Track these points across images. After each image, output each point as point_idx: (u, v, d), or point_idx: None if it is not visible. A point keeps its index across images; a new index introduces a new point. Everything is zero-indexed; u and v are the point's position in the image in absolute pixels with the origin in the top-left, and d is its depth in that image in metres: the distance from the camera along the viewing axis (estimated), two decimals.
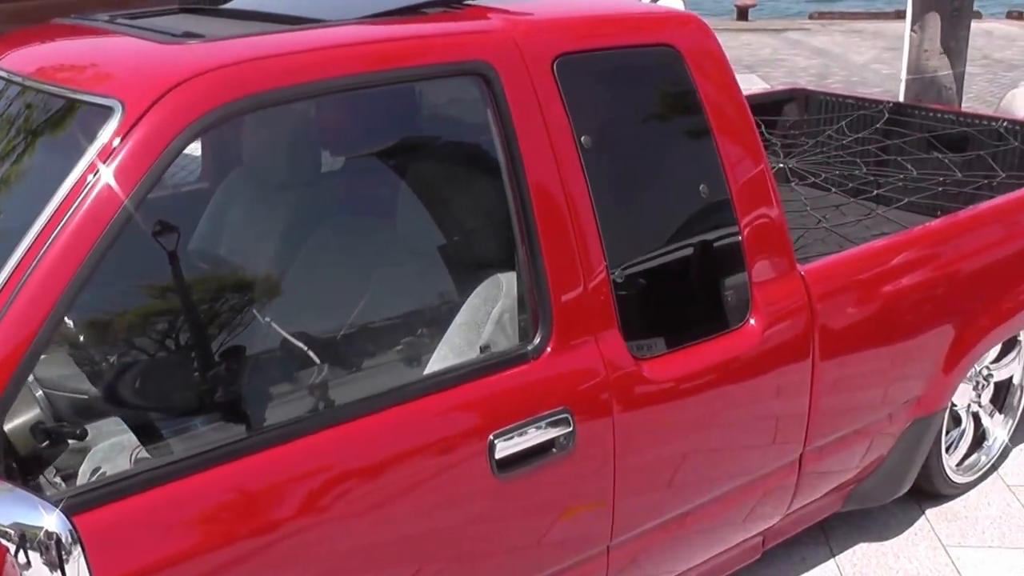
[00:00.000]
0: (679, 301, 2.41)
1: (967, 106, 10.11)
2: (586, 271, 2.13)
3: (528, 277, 2.09)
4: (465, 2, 2.28)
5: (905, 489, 3.22)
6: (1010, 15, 19.06)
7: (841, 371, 2.76)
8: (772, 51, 14.28)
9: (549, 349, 2.09)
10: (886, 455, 3.07)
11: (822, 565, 3.17)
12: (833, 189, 4.17)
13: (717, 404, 2.42)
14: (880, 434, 3.00)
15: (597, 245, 2.15)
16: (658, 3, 8.30)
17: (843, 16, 18.89)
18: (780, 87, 6.51)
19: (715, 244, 2.46)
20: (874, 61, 12.78)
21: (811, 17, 19.09)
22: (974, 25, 17.97)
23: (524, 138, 2.04)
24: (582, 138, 2.15)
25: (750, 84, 9.09)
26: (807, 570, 3.15)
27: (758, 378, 2.49)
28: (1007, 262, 3.29)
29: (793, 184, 4.20)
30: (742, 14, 18.37)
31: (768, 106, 5.07)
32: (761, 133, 4.62)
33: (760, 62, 13.08)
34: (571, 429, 2.08)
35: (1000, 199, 3.40)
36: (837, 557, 3.21)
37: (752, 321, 2.46)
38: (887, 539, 3.29)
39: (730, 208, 2.43)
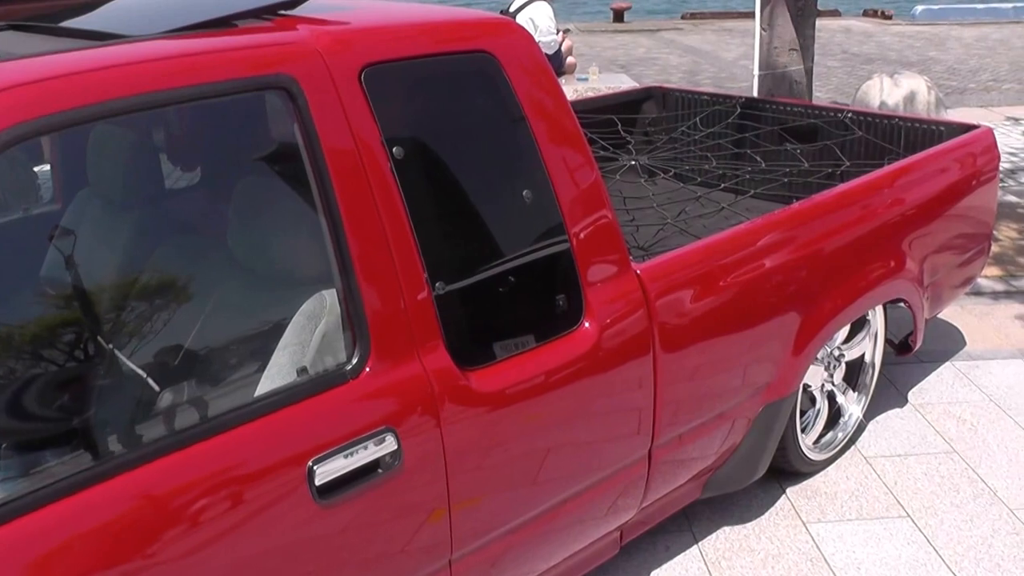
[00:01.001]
0: (507, 309, 2.29)
1: (826, 98, 10.35)
2: (404, 285, 2.00)
3: (343, 294, 1.96)
4: (279, 12, 2.12)
5: (761, 473, 3.18)
6: (866, 13, 19.71)
7: (685, 365, 2.68)
8: (646, 51, 14.38)
9: (368, 367, 1.96)
10: (740, 441, 3.02)
11: (685, 552, 3.11)
12: (697, 179, 4.19)
13: (553, 408, 2.32)
14: (733, 421, 2.94)
15: (415, 258, 2.03)
16: (525, 10, 8.27)
17: (714, 16, 19.19)
18: (638, 86, 6.54)
19: (543, 249, 2.35)
20: (742, 58, 12.94)
21: (684, 17, 19.36)
22: (834, 22, 18.63)
23: (331, 152, 1.91)
24: (394, 149, 2.02)
25: (620, 83, 9.09)
26: (671, 558, 3.08)
27: (596, 379, 2.39)
28: (850, 247, 3.26)
29: (656, 179, 4.20)
30: (618, 16, 18.51)
31: (627, 105, 5.05)
32: (618, 131, 4.65)
33: (634, 61, 13.15)
34: (396, 448, 1.96)
35: (842, 186, 3.38)
36: (700, 543, 3.15)
37: (586, 324, 2.36)
38: (749, 521, 3.25)
39: (557, 212, 2.32)
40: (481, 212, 2.29)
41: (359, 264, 1.95)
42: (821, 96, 10.45)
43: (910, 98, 8.86)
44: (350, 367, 1.96)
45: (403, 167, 2.03)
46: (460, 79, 2.27)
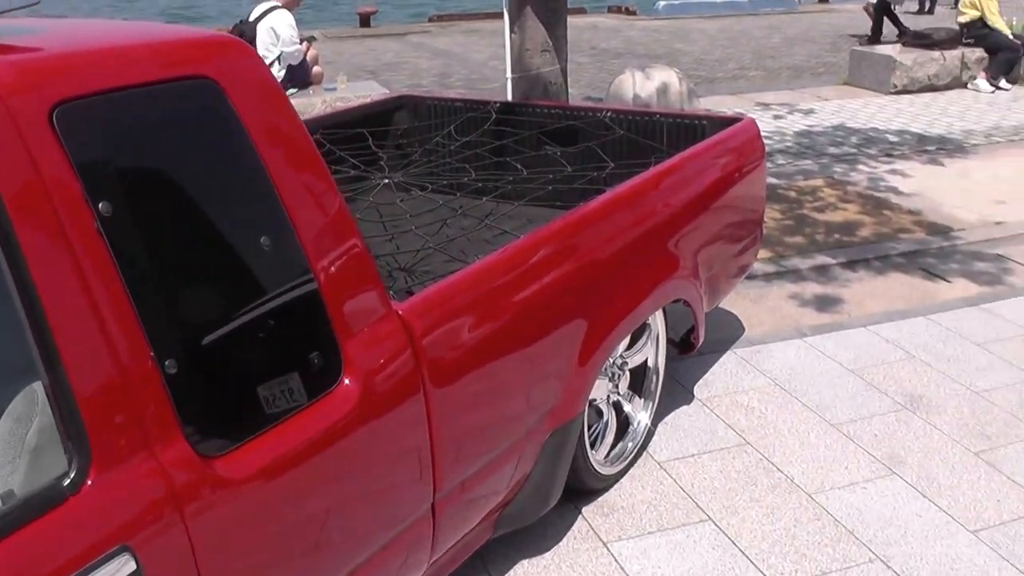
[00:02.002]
0: (254, 380, 1.99)
1: (580, 95, 10.57)
2: (126, 368, 1.69)
3: (52, 388, 1.61)
4: None
5: (555, 501, 3.06)
6: (611, 9, 20.45)
7: (463, 405, 2.50)
8: (395, 55, 14.27)
9: (90, 479, 1.62)
10: (530, 471, 2.88)
11: None
12: (456, 193, 4.04)
13: (319, 482, 2.07)
14: (521, 453, 2.80)
15: (137, 333, 1.71)
16: (264, 20, 7.94)
17: (461, 17, 19.33)
18: (389, 95, 6.38)
19: (289, 305, 2.06)
20: (492, 59, 13.04)
21: (431, 20, 19.41)
22: (582, 19, 19.10)
23: (18, 214, 1.58)
24: (100, 205, 1.69)
25: (371, 91, 8.93)
26: None
27: (364, 440, 2.16)
28: (625, 254, 3.20)
29: (415, 195, 4.03)
30: (364, 21, 18.36)
31: (378, 116, 4.85)
32: (368, 146, 4.46)
33: (384, 67, 13.01)
34: (136, 568, 1.64)
35: (611, 191, 3.30)
36: None
37: (346, 380, 2.12)
38: (547, 551, 3.12)
39: (302, 258, 2.05)
40: (212, 268, 1.96)
41: (66, 349, 1.61)
42: (575, 93, 10.60)
43: (663, 90, 9.12)
44: (68, 481, 1.62)
45: (113, 224, 1.71)
46: (177, 111, 1.95)
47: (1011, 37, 11.17)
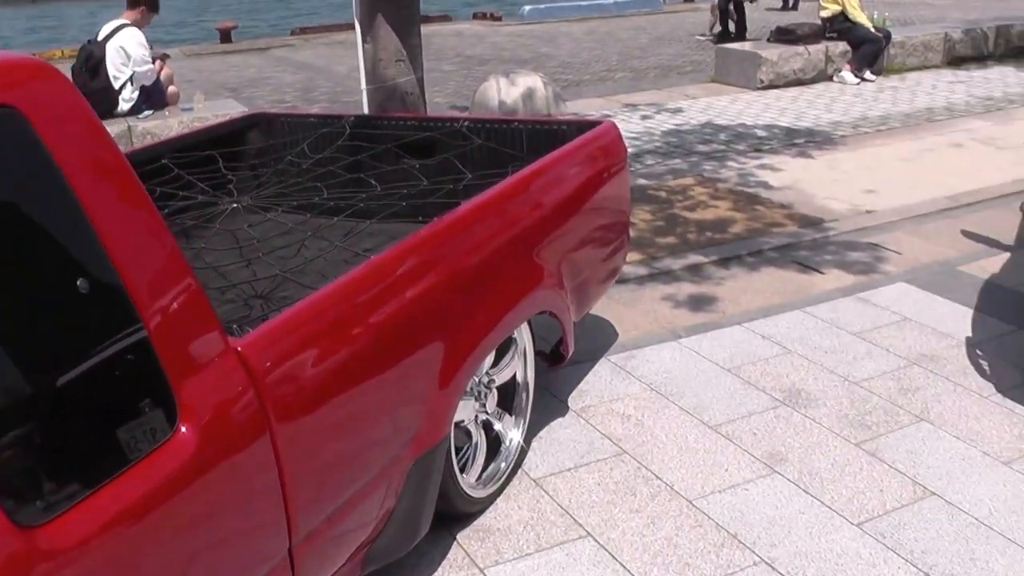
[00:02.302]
0: (78, 436, 1.81)
1: (446, 103, 10.51)
2: None
3: None
4: None
5: (425, 531, 2.93)
6: (476, 16, 20.51)
7: (316, 443, 2.36)
8: (257, 71, 14.01)
9: None
10: (396, 503, 2.74)
11: None
12: (308, 215, 3.88)
13: (158, 539, 1.90)
14: (384, 485, 2.66)
15: None
16: (113, 39, 7.63)
17: (324, 29, 19.12)
18: (248, 111, 6.19)
19: (113, 352, 1.88)
20: (355, 70, 12.76)
21: (294, 33, 19.16)
22: (447, 27, 19.09)
23: None
24: None
25: (230, 110, 8.68)
26: None
27: (206, 490, 2.00)
28: (486, 267, 3.10)
29: (268, 217, 3.86)
30: (225, 36, 18.03)
31: (230, 136, 4.66)
32: (218, 168, 4.28)
33: (246, 83, 12.75)
34: None
35: (468, 203, 3.18)
36: None
37: (183, 428, 1.96)
38: None
39: (125, 300, 1.89)
40: (24, 319, 1.78)
41: None
42: (440, 102, 10.57)
43: (528, 95, 9.09)
44: None
45: None
46: None
47: (873, 30, 11.51)
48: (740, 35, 14.44)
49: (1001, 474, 3.44)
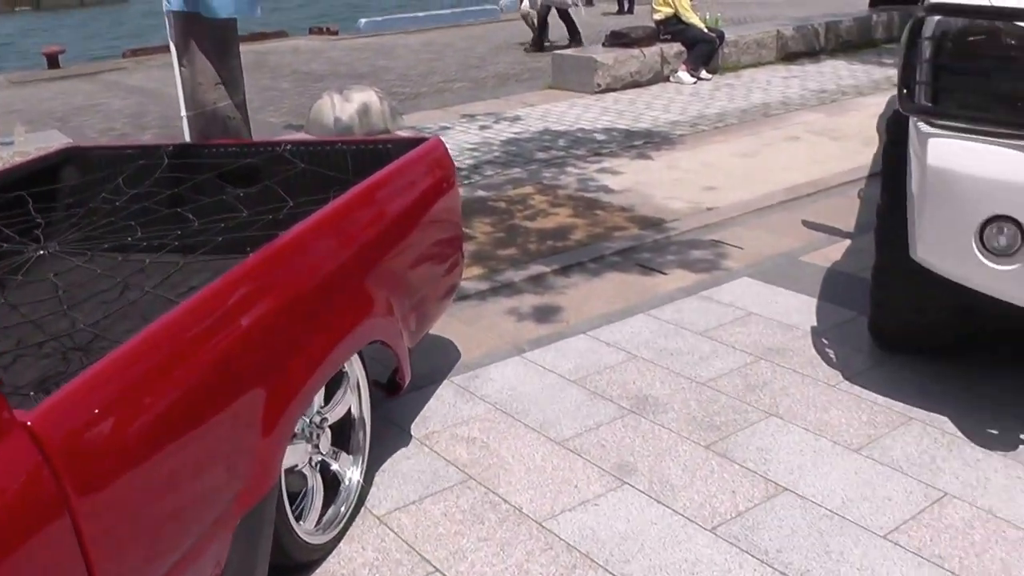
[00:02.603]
0: None
1: (281, 122, 10.28)
2: None
3: None
4: None
5: None
6: (312, 31, 20.26)
7: (126, 516, 2.16)
8: (87, 97, 13.49)
9: None
10: (224, 566, 2.54)
11: None
12: (119, 258, 3.65)
13: None
14: (208, 550, 2.47)
15: None
16: None
17: (157, 51, 18.57)
18: (72, 143, 5.89)
19: None
20: None
21: (125, 55, 18.61)
22: (283, 43, 18.79)
23: None
24: None
25: (52, 140, 8.28)
26: None
27: None
28: (310, 302, 2.94)
29: (91, 260, 3.60)
30: (53, 62, 17.42)
31: (42, 174, 4.36)
32: (27, 211, 3.98)
33: (74, 111, 12.24)
34: None
35: (286, 234, 3.00)
36: None
37: None
38: None
39: None
40: None
41: None
42: (276, 122, 10.33)
43: (363, 111, 9.00)
44: None
45: None
46: None
47: (706, 30, 11.76)
48: (576, 41, 14.58)
49: (852, 462, 3.47)
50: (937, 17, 3.41)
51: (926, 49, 3.41)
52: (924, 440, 3.59)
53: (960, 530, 3.10)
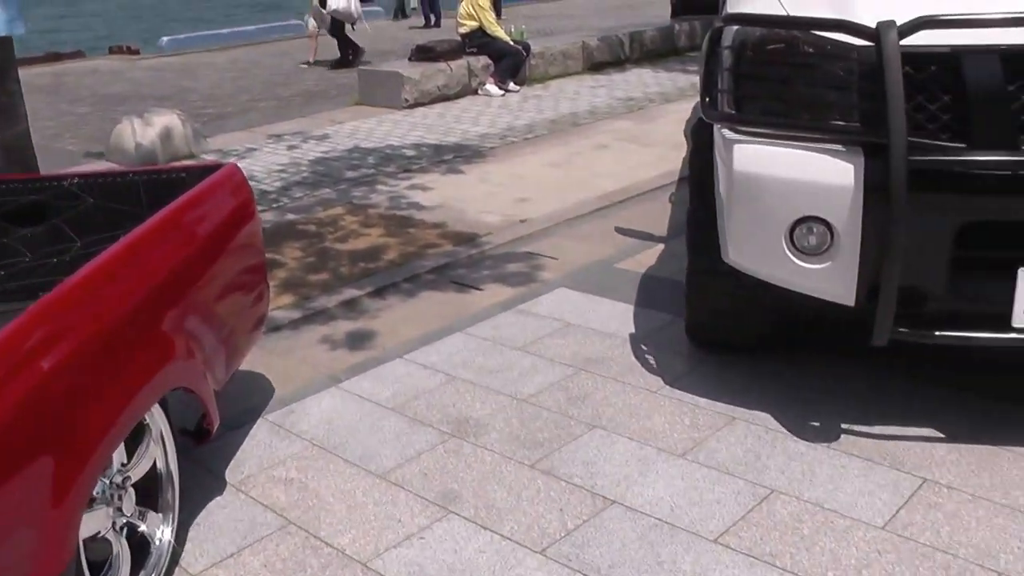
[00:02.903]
0: None
1: (81, 150, 9.75)
2: None
3: None
4: None
5: None
6: (112, 51, 19.41)
7: None
8: None
9: None
10: None
11: None
12: None
13: None
14: None
15: None
16: None
17: None
18: None
19: None
20: None
21: None
22: (81, 64, 17.94)
23: None
24: None
25: None
26: None
27: None
28: (90, 357, 2.66)
29: None
30: None
31: None
32: None
33: None
34: None
35: (71, 278, 2.74)
36: None
37: None
38: None
39: None
40: None
41: None
42: (74, 150, 9.80)
43: (166, 135, 8.66)
44: None
45: None
46: None
47: (511, 43, 11.82)
48: (346, 61, 14.49)
49: (679, 468, 3.47)
50: (735, 27, 3.46)
51: (726, 58, 3.46)
52: (748, 439, 3.63)
53: (789, 525, 3.13)
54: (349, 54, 14.76)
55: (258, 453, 3.76)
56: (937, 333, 3.31)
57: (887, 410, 3.77)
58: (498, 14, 21.15)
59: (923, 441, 3.57)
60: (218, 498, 3.49)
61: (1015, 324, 3.22)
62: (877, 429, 3.65)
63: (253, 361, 4.31)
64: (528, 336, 4.62)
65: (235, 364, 3.69)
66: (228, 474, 3.63)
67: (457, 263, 5.71)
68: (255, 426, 3.96)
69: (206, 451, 3.68)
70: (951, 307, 3.32)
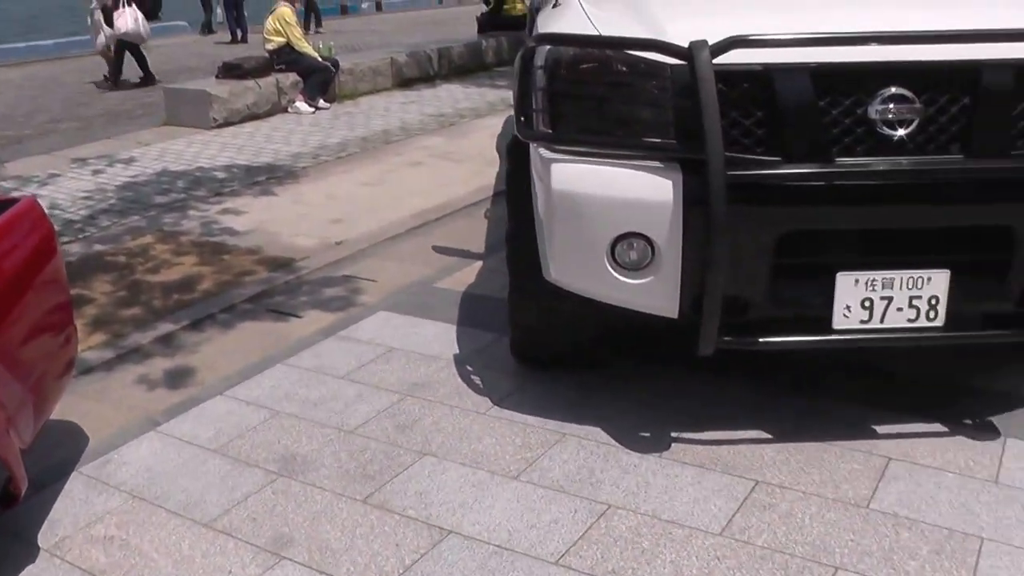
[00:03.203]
0: None
1: None
2: None
3: None
4: None
5: None
6: None
7: None
8: None
9: None
10: None
11: None
12: None
13: None
14: None
15: None
16: None
17: None
18: None
19: None
20: None
21: None
22: None
23: None
24: None
25: None
26: None
27: None
28: None
29: None
30: None
31: None
32: None
33: None
34: None
35: None
36: None
37: None
38: None
39: None
40: None
41: None
42: None
43: None
44: None
45: None
46: None
47: (320, 59, 11.58)
48: (150, 78, 14.02)
49: (513, 490, 3.40)
50: (547, 47, 3.41)
51: (539, 78, 3.41)
52: (581, 454, 3.59)
53: (629, 540, 3.10)
54: (147, 72, 14.18)
55: (73, 511, 3.46)
56: (761, 340, 3.38)
57: (715, 415, 3.81)
58: (318, 24, 20.93)
59: (752, 444, 3.62)
60: (30, 567, 3.17)
61: (836, 326, 3.30)
62: (707, 435, 3.68)
63: (64, 409, 3.96)
64: (351, 363, 4.46)
65: (44, 416, 3.40)
66: (41, 538, 3.31)
67: (274, 290, 5.49)
68: (69, 481, 3.64)
69: (15, 517, 3.35)
70: (774, 314, 3.38)
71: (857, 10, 3.46)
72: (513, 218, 3.97)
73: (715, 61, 3.07)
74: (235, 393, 4.25)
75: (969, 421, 3.73)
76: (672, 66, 3.19)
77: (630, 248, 3.31)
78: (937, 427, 3.70)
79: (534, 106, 3.44)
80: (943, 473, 3.42)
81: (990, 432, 3.66)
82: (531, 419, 3.86)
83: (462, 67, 13.81)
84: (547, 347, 4.24)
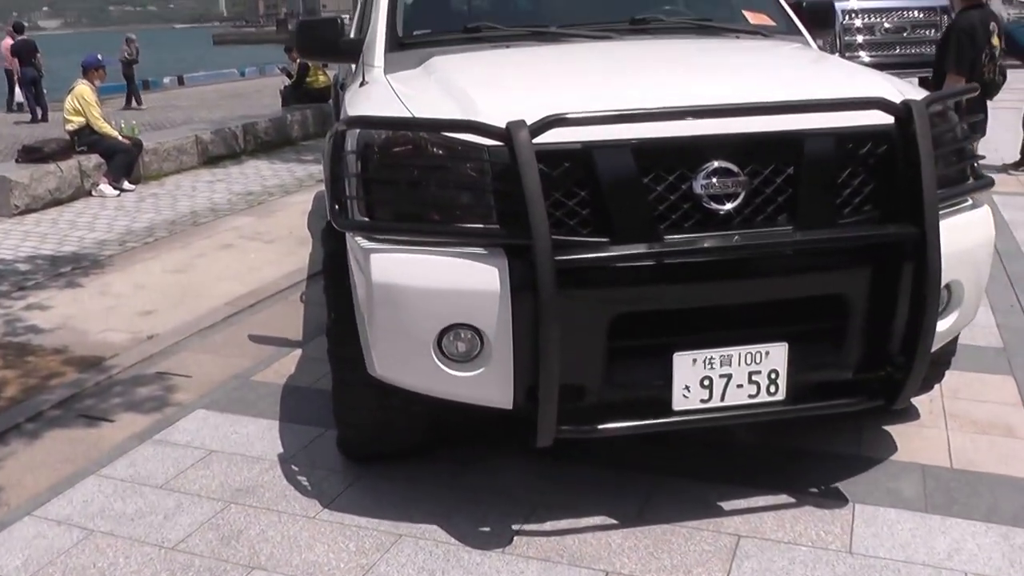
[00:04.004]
0: None
1: None
2: None
3: None
4: None
5: None
6: None
7: None
8: None
9: None
10: None
11: None
12: None
13: None
14: None
15: None
16: None
17: None
18: None
19: None
20: None
21: None
22: None
23: None
24: None
25: None
26: None
27: None
28: None
29: None
30: None
31: None
32: None
33: None
34: None
35: None
36: None
37: None
38: None
39: None
40: None
41: None
42: None
43: None
44: None
45: None
46: None
47: (122, 139, 10.98)
48: None
49: None
50: (358, 131, 3.19)
51: (352, 164, 3.18)
52: (419, 556, 3.33)
53: None
54: None
55: None
56: (600, 427, 3.20)
57: (557, 502, 3.61)
58: (138, 101, 19.94)
59: (598, 530, 3.43)
60: None
61: (676, 407, 3.14)
62: (550, 524, 3.48)
63: None
64: (169, 471, 4.06)
65: None
66: None
67: (84, 393, 4.99)
68: None
69: None
70: (612, 399, 3.20)
71: (679, 81, 3.38)
72: (333, 309, 3.68)
73: (535, 141, 2.90)
74: (45, 512, 3.78)
75: (815, 489, 3.65)
76: (490, 147, 2.99)
77: (458, 339, 3.10)
78: (784, 498, 3.59)
79: (348, 193, 3.19)
80: (795, 547, 3.31)
81: (837, 499, 3.58)
82: (363, 520, 3.57)
83: (268, 142, 13.42)
84: (375, 442, 3.94)
